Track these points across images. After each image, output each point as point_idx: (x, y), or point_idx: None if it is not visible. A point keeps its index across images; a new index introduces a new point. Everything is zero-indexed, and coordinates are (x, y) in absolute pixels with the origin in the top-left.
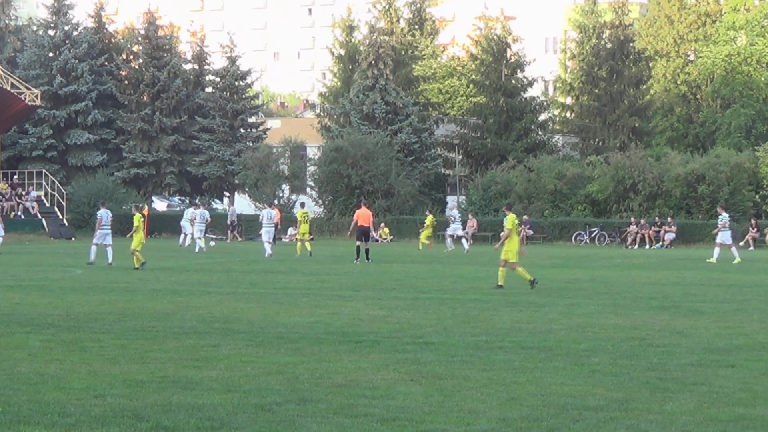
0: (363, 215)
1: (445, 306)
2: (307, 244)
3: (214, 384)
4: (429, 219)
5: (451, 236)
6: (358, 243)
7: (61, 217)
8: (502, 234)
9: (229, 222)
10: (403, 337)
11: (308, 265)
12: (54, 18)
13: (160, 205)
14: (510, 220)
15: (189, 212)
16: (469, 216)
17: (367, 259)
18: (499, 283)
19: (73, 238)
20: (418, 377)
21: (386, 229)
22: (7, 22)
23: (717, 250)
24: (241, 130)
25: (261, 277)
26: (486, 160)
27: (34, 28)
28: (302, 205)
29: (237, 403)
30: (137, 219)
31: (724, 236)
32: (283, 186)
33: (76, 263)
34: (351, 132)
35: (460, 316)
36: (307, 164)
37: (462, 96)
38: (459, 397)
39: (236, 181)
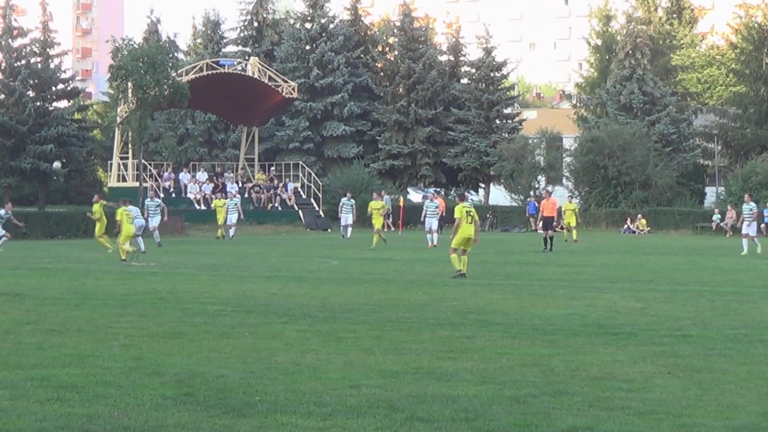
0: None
1: (703, 298)
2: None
3: (468, 375)
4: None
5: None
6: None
7: (317, 208)
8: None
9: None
10: (660, 330)
11: (564, 257)
12: (311, 11)
13: (415, 196)
14: (458, 209)
15: None
16: (728, 207)
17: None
18: (459, 270)
19: (329, 230)
20: (675, 370)
21: (643, 221)
22: (265, 15)
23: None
24: (497, 122)
25: (516, 268)
26: (746, 151)
27: (291, 21)
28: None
29: (492, 395)
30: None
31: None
32: (539, 177)
33: (333, 254)
34: (608, 123)
35: (718, 309)
36: (563, 155)
37: (721, 85)
38: (717, 390)
39: (491, 173)
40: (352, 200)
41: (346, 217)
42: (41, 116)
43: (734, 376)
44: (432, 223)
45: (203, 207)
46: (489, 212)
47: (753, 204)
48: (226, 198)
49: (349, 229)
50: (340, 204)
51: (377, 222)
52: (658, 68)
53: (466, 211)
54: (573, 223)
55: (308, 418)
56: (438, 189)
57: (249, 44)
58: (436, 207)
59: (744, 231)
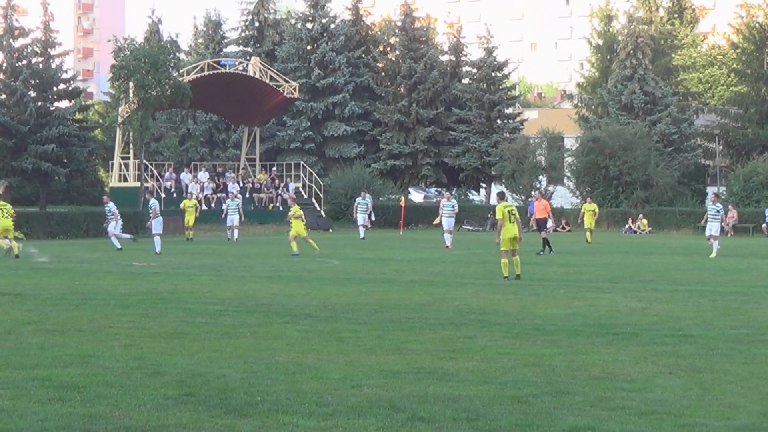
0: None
1: (704, 298)
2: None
3: (470, 375)
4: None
5: None
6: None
7: (318, 208)
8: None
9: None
10: (662, 330)
11: (565, 257)
12: (312, 11)
13: (416, 196)
14: (499, 210)
15: None
16: (730, 207)
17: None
18: (506, 277)
19: (331, 230)
20: (676, 370)
21: (645, 221)
22: (266, 15)
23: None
24: (498, 122)
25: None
26: (747, 151)
27: (293, 21)
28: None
29: (493, 395)
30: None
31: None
32: (541, 177)
33: (334, 254)
34: (609, 122)
35: (720, 309)
36: (565, 155)
37: (722, 85)
38: (719, 390)
39: (493, 173)
40: (367, 199)
41: (363, 217)
42: (42, 116)
43: (736, 376)
44: (450, 222)
45: (204, 207)
46: (490, 212)
47: (719, 206)
48: (228, 198)
49: (362, 229)
50: (355, 203)
51: (296, 227)
52: (659, 68)
53: (508, 211)
54: (592, 225)
55: (309, 418)
56: (439, 189)
57: (250, 44)
58: (453, 206)
59: (708, 233)
